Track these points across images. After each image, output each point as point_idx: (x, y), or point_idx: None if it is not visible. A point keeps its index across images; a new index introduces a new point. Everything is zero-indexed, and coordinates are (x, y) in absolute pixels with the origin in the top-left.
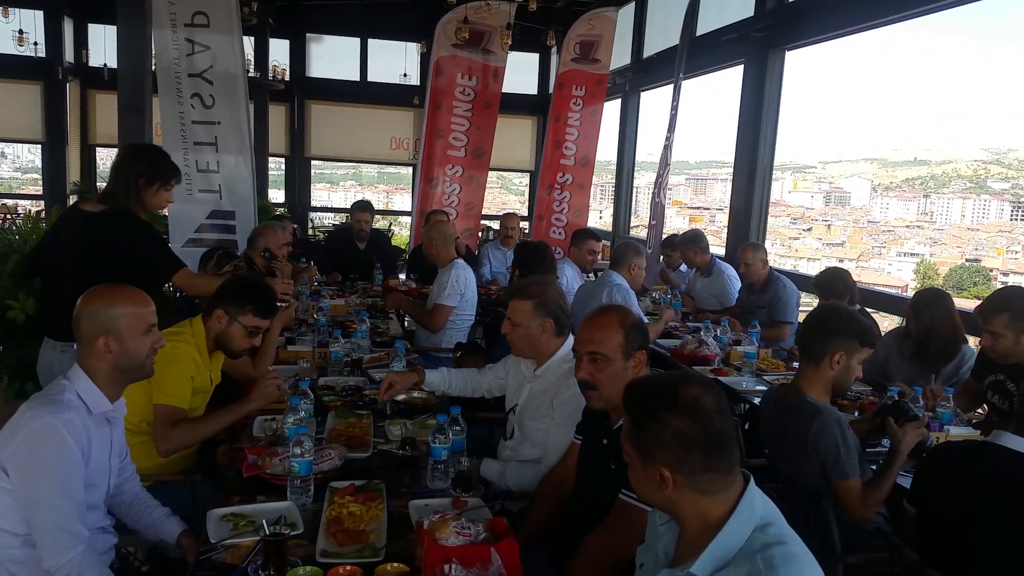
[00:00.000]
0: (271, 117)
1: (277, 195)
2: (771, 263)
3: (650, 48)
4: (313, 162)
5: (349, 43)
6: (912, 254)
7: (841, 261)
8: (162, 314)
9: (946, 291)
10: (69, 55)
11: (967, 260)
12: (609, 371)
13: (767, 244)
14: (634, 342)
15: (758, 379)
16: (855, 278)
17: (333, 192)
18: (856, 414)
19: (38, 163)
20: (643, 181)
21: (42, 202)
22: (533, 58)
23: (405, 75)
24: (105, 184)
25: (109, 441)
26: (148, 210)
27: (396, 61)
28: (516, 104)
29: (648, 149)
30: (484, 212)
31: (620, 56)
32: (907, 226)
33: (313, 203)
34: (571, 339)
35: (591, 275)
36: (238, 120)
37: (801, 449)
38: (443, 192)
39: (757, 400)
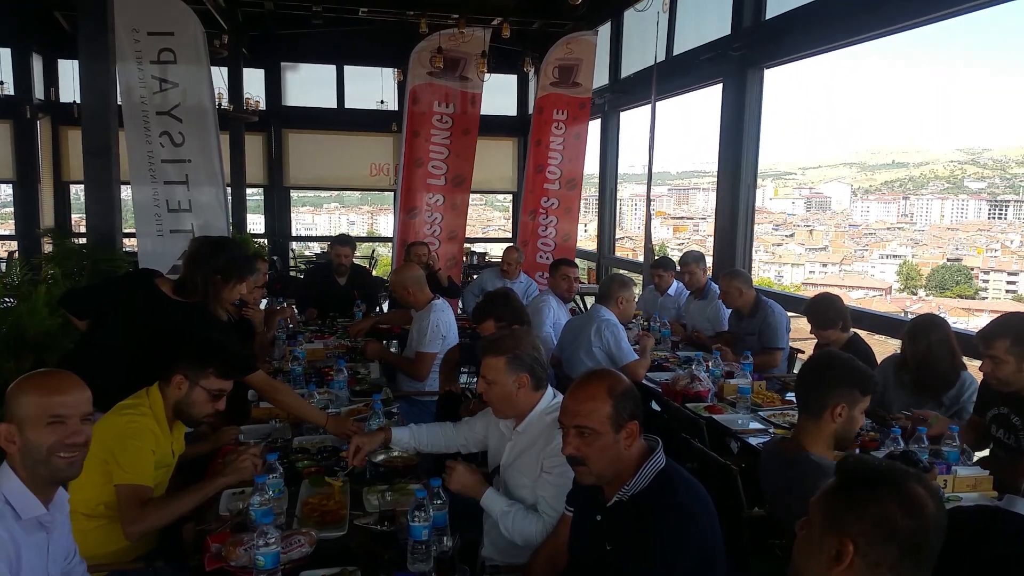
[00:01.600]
0: (248, 147)
1: (258, 224)
2: (755, 269)
3: (628, 68)
4: (294, 189)
5: (325, 70)
6: (894, 256)
7: (824, 265)
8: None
9: (943, 317)
10: (39, 92)
11: (948, 260)
12: (598, 445)
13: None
14: (624, 412)
15: (754, 415)
16: (839, 281)
17: (318, 215)
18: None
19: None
20: (625, 193)
21: (14, 242)
22: (511, 79)
23: (382, 101)
24: (180, 275)
25: (45, 548)
26: (222, 305)
27: (373, 87)
28: (496, 126)
29: (630, 161)
30: (468, 235)
31: (599, 76)
32: (888, 228)
33: (296, 227)
34: (551, 391)
35: (577, 299)
36: (209, 155)
37: (806, 510)
38: (424, 221)
39: (752, 440)
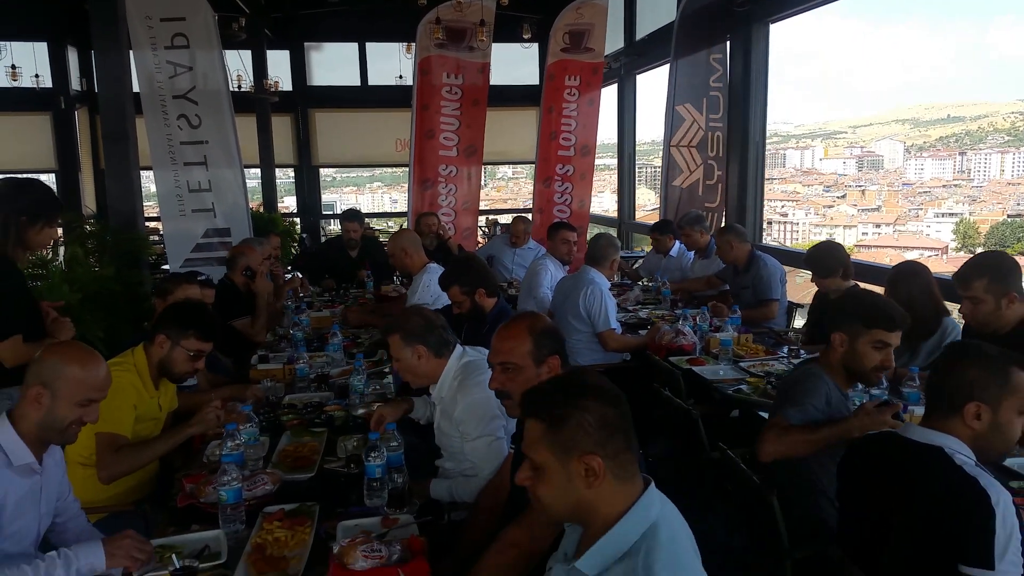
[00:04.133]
0: (278, 128)
1: (292, 204)
2: (807, 233)
3: (642, 30)
4: (334, 169)
5: (348, 49)
6: (950, 214)
7: (878, 226)
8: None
9: (924, 264)
10: (75, 83)
11: (1009, 216)
12: (521, 379)
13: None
14: (545, 348)
15: (735, 367)
16: (893, 241)
17: (361, 195)
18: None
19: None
20: (643, 160)
21: (60, 229)
22: (534, 48)
23: (400, 76)
24: None
25: (38, 489)
26: (30, 249)
27: (393, 63)
28: (519, 95)
29: (648, 129)
30: (506, 207)
31: (613, 40)
32: (944, 185)
33: (340, 207)
34: (458, 351)
35: None
36: (225, 136)
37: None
38: (439, 192)
39: (731, 390)
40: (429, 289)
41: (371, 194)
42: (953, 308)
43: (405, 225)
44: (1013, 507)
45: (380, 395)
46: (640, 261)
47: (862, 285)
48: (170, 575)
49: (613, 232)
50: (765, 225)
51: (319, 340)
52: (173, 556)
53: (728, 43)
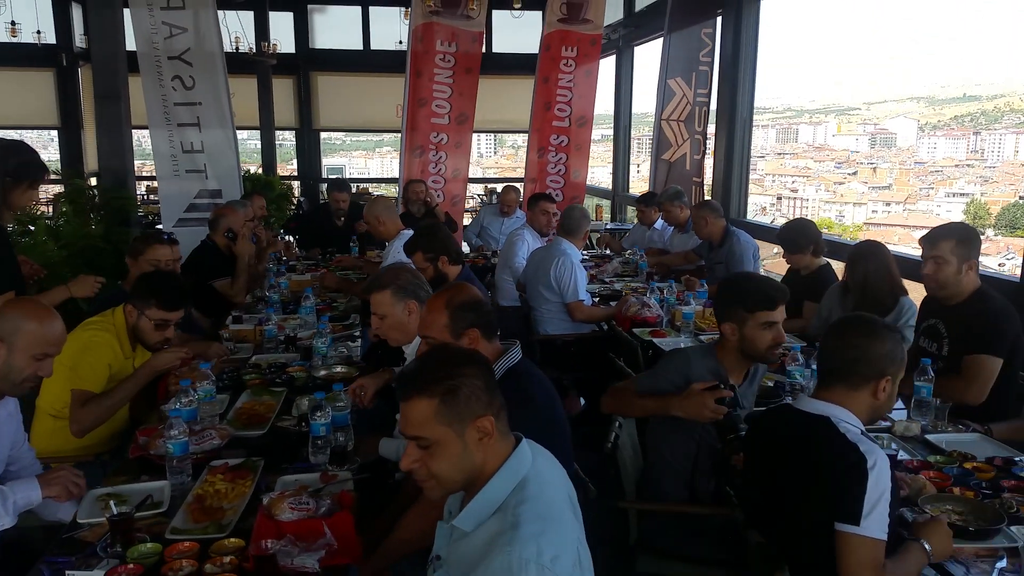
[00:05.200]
0: (280, 90)
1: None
2: (815, 210)
3: (641, 1)
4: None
5: (351, 12)
6: (961, 194)
7: (888, 204)
8: None
9: (883, 243)
10: (79, 41)
11: (1020, 198)
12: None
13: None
14: (462, 321)
15: (694, 339)
16: (902, 220)
17: (370, 159)
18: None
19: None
20: (639, 133)
21: (61, 186)
22: (537, 17)
23: (401, 41)
24: None
25: None
26: (12, 209)
27: (393, 27)
28: (520, 64)
29: (648, 101)
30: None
31: (613, 10)
32: (956, 165)
33: (350, 172)
34: None
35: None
36: (218, 97)
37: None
38: (430, 160)
39: None
40: (401, 254)
41: (380, 158)
42: (912, 288)
43: (396, 191)
44: (889, 471)
45: (345, 358)
46: (627, 234)
47: (834, 264)
48: (107, 521)
49: (607, 204)
50: (775, 200)
51: (296, 303)
52: (112, 503)
53: (719, 18)
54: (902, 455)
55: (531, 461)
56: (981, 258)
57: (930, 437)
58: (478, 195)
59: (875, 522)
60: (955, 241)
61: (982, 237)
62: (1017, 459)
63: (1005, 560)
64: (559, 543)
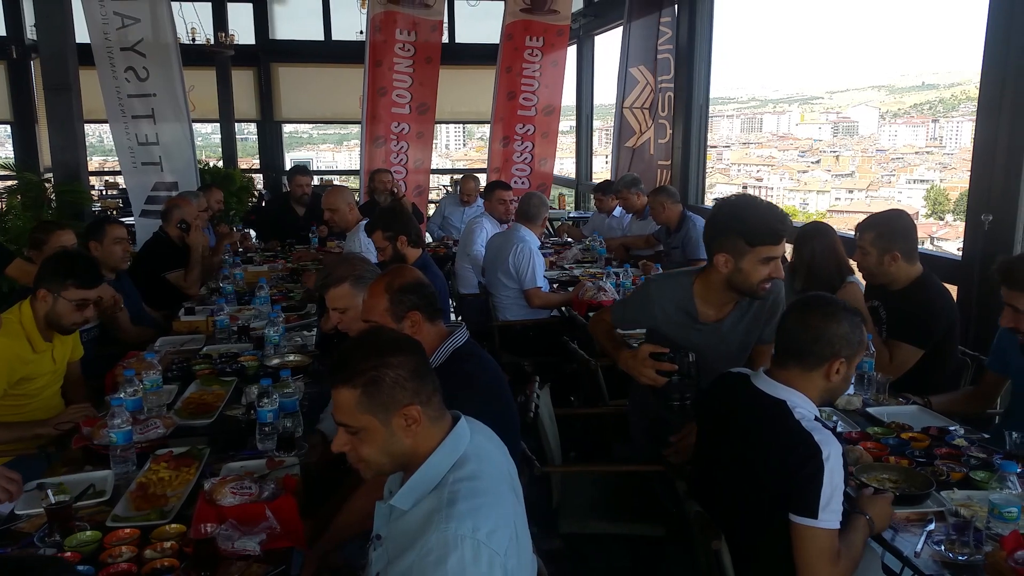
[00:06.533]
0: (240, 82)
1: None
2: (781, 199)
3: None
4: (310, 125)
5: (311, 2)
6: (922, 180)
7: (850, 192)
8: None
9: (829, 224)
10: (31, 33)
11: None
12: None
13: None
14: (403, 304)
15: None
16: (865, 207)
17: (337, 152)
18: None
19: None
20: (605, 123)
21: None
22: (498, 7)
23: (361, 32)
24: None
25: None
26: None
27: (353, 17)
28: (483, 54)
29: (608, 91)
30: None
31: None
32: (916, 152)
33: (317, 165)
34: None
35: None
36: (173, 89)
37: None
38: (391, 150)
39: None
40: (363, 250)
41: (348, 151)
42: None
43: (357, 183)
44: (842, 460)
45: (299, 347)
46: (587, 222)
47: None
48: (45, 511)
49: (571, 193)
50: (741, 189)
51: (252, 294)
52: (48, 492)
53: (675, 7)
54: (842, 427)
55: (469, 439)
56: (941, 243)
57: (871, 410)
58: (444, 186)
59: (832, 513)
60: (875, 233)
61: (941, 222)
62: (951, 428)
63: (933, 523)
64: (496, 518)
